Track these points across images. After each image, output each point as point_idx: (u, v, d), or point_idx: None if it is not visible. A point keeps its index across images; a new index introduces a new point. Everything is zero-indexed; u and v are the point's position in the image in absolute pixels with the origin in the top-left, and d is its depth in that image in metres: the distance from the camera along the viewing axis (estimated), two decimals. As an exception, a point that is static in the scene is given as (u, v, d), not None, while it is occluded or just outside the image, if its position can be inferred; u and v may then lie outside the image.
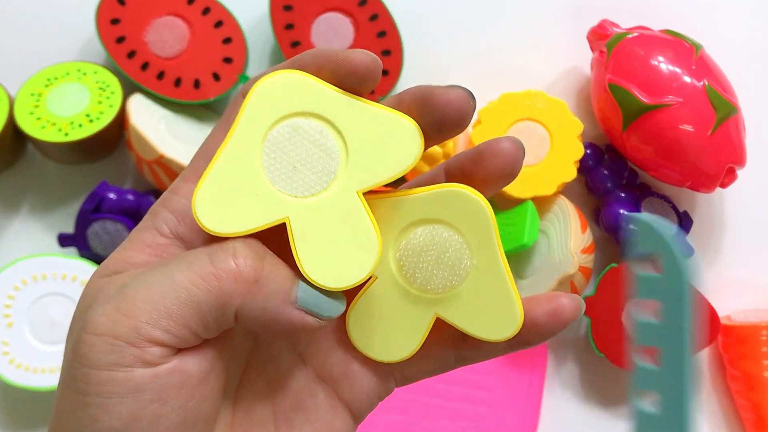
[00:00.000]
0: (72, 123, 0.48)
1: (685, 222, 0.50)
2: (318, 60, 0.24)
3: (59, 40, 0.53)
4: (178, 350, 0.23)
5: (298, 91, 0.23)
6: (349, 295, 0.25)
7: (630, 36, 0.48)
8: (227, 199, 0.23)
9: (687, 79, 0.46)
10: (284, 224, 0.24)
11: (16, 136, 0.49)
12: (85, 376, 0.22)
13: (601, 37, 0.49)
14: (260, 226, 0.23)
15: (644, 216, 0.27)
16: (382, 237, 0.24)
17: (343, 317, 0.26)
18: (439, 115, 0.24)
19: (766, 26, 0.54)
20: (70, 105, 0.49)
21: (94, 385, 0.22)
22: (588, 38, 0.51)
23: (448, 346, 0.27)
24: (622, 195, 0.50)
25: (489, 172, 0.25)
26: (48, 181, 0.53)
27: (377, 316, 0.26)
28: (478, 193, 0.25)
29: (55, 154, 0.50)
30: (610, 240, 0.51)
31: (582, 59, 0.53)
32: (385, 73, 0.49)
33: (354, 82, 0.24)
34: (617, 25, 0.50)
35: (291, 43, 0.49)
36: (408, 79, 0.52)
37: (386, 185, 0.24)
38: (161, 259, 0.24)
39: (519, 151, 0.25)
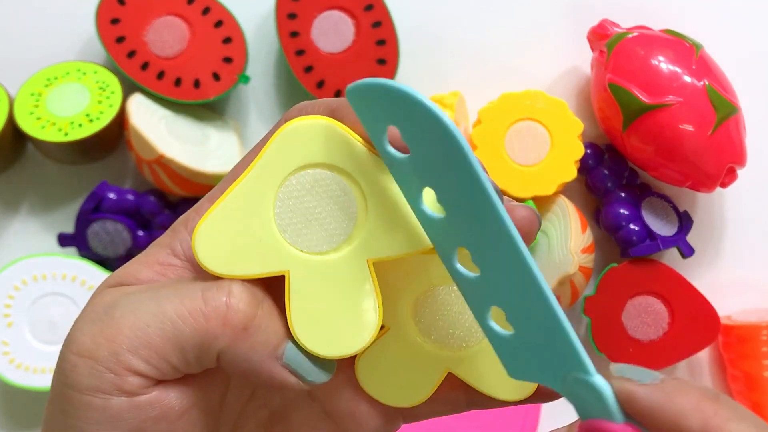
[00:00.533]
0: (72, 123, 0.48)
1: (685, 222, 0.50)
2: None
3: (59, 40, 0.53)
4: (159, 382, 0.22)
5: (328, 141, 0.22)
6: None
7: (630, 36, 0.48)
8: (230, 239, 0.22)
9: (687, 78, 0.46)
10: (284, 276, 0.22)
11: (16, 135, 0.49)
12: (67, 398, 0.22)
13: (602, 36, 0.49)
14: (259, 273, 0.22)
15: (361, 83, 0.21)
16: (400, 288, 0.23)
17: (351, 360, 0.25)
18: None
19: (767, 26, 0.54)
20: (70, 105, 0.48)
21: (74, 409, 0.22)
22: (588, 38, 0.51)
23: (459, 391, 0.26)
24: (623, 195, 0.50)
25: None
26: (48, 181, 0.53)
27: (388, 363, 0.25)
28: None
29: (55, 154, 0.50)
30: (611, 240, 0.51)
31: (582, 59, 0.53)
32: None
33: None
34: (617, 25, 0.50)
35: (290, 33, 0.49)
36: (406, 81, 0.52)
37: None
38: (162, 281, 0.24)
39: (534, 221, 0.23)
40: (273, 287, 0.23)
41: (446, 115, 0.20)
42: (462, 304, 0.24)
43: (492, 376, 0.24)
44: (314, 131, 0.22)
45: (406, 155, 0.21)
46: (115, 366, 0.21)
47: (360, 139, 0.22)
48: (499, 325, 0.22)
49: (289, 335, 0.22)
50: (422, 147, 0.21)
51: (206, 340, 0.22)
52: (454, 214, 0.21)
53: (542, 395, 0.25)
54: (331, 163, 0.22)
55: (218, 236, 0.22)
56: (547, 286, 0.20)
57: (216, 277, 0.22)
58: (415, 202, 0.22)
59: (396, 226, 0.22)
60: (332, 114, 0.23)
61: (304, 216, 0.22)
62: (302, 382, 0.23)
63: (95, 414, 0.22)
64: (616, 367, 0.21)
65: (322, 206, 0.22)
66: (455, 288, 0.23)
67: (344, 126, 0.22)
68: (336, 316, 0.22)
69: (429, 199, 0.22)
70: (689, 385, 0.20)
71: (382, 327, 0.24)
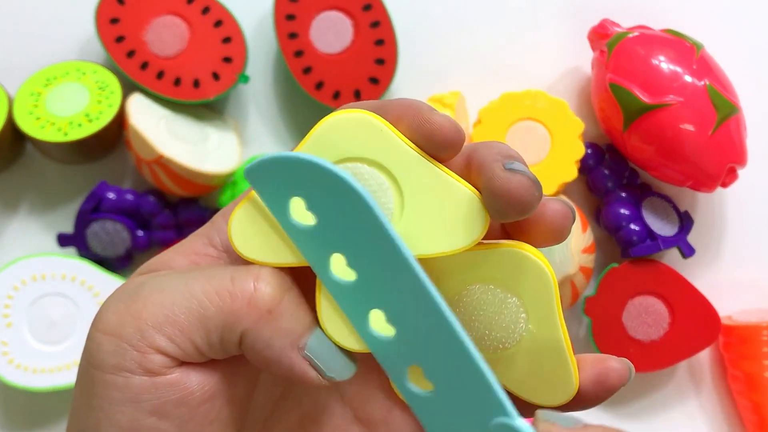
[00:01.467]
0: (71, 123, 0.47)
1: (686, 222, 0.50)
2: (402, 110, 0.22)
3: (58, 40, 0.53)
4: (182, 363, 0.22)
5: (368, 136, 0.21)
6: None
7: (631, 35, 0.48)
8: (266, 226, 0.22)
9: (688, 78, 0.46)
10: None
11: (15, 135, 0.49)
12: (91, 377, 0.22)
13: (602, 36, 0.49)
14: (291, 262, 0.22)
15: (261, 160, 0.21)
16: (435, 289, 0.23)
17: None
18: (499, 203, 0.21)
19: (767, 26, 0.54)
20: (69, 105, 0.48)
21: (98, 388, 0.22)
22: (589, 38, 0.51)
23: None
24: (623, 195, 0.50)
25: (534, 234, 0.23)
26: (47, 181, 0.53)
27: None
28: (541, 255, 0.22)
29: (54, 154, 0.50)
30: (611, 240, 0.51)
31: (583, 59, 0.53)
32: (375, 81, 0.49)
33: (430, 147, 0.22)
34: (618, 25, 0.50)
35: (288, 34, 0.49)
36: (406, 80, 0.52)
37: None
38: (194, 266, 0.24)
39: (568, 215, 0.22)
40: (303, 280, 0.23)
41: (347, 174, 0.20)
42: (498, 304, 0.23)
43: (528, 379, 0.24)
44: (354, 125, 0.21)
45: (311, 225, 0.21)
46: (139, 343, 0.21)
47: (400, 134, 0.22)
48: (417, 384, 0.22)
49: (315, 327, 0.22)
50: (329, 212, 0.20)
51: (230, 320, 0.22)
52: (365, 276, 0.21)
53: (582, 402, 0.24)
54: (369, 158, 0.22)
55: (254, 223, 0.22)
56: (463, 330, 0.20)
57: (249, 265, 0.23)
58: (323, 270, 0.22)
59: (432, 224, 0.21)
60: (376, 111, 0.22)
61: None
62: (322, 377, 0.22)
63: (117, 393, 0.22)
64: (541, 414, 0.21)
65: None
66: (491, 287, 0.23)
67: (385, 121, 0.22)
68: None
69: (338, 266, 0.22)
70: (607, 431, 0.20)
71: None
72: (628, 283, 0.49)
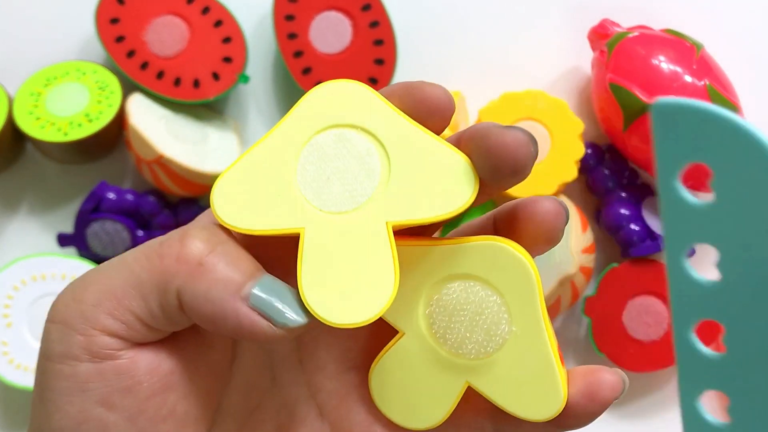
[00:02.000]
0: (71, 123, 0.47)
1: (686, 222, 0.50)
2: (395, 85, 0.22)
3: (58, 40, 0.53)
4: (131, 346, 0.21)
5: (355, 103, 0.21)
6: (378, 349, 0.23)
7: (631, 35, 0.48)
8: (248, 194, 0.21)
9: (688, 78, 0.46)
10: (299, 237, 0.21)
11: (15, 135, 0.49)
12: (42, 369, 0.22)
13: (602, 36, 0.49)
14: (274, 229, 0.21)
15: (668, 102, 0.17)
16: (413, 289, 0.22)
17: (367, 373, 0.24)
18: (493, 159, 0.20)
19: (767, 26, 0.54)
20: (69, 104, 0.48)
21: (48, 379, 0.21)
22: (589, 38, 0.51)
23: (484, 417, 0.24)
24: (623, 195, 0.49)
25: (525, 234, 0.22)
26: (47, 181, 0.53)
27: (403, 376, 0.23)
28: (523, 250, 0.22)
29: (54, 154, 0.50)
30: (611, 240, 0.51)
31: (583, 59, 0.53)
32: (374, 81, 0.49)
33: (420, 112, 0.21)
34: (618, 25, 0.50)
35: (288, 35, 0.49)
36: (407, 79, 0.52)
37: (425, 227, 0.21)
38: None
39: (561, 214, 0.22)
40: (287, 259, 0.22)
41: None
42: (479, 303, 0.22)
43: (513, 389, 0.22)
44: (343, 92, 0.21)
45: (707, 203, 0.18)
46: (82, 326, 0.21)
47: (389, 102, 0.21)
48: (711, 413, 0.20)
49: (261, 276, 0.21)
50: (736, 198, 0.17)
51: (163, 280, 0.21)
52: (734, 282, 0.18)
53: (573, 418, 0.22)
54: (358, 124, 0.21)
55: (237, 190, 0.21)
56: None
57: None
58: (678, 256, 0.19)
59: (420, 190, 0.21)
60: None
61: (325, 174, 0.21)
62: (274, 325, 0.20)
63: (65, 383, 0.21)
64: None
65: (345, 165, 0.21)
66: (471, 284, 0.22)
67: (373, 89, 0.21)
68: (349, 280, 0.21)
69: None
70: None
71: (396, 333, 0.23)
72: (629, 283, 0.49)
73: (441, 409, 0.23)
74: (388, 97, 0.22)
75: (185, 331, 0.23)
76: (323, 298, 0.21)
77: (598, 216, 0.51)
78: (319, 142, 0.22)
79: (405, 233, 0.22)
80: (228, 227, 0.22)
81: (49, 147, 0.48)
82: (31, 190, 0.53)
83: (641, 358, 0.48)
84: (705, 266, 0.20)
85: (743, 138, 0.16)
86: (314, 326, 0.21)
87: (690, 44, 0.47)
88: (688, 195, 0.18)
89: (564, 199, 0.49)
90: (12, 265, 0.48)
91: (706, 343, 0.19)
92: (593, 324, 0.49)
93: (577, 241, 0.47)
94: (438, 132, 0.22)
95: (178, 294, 0.21)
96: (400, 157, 0.21)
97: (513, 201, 0.23)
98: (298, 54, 0.49)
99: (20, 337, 0.48)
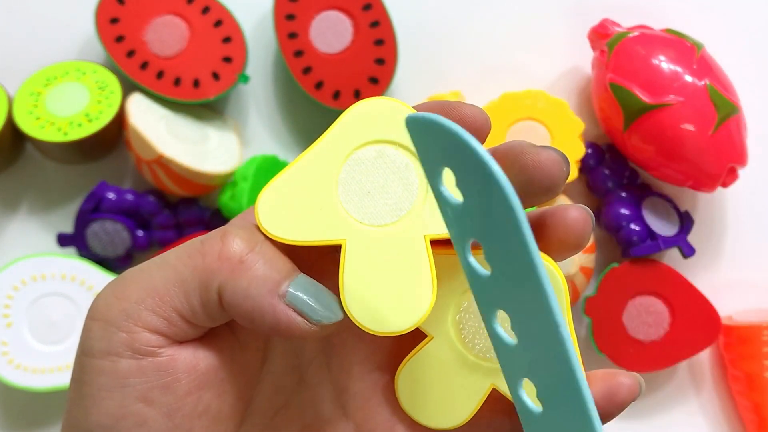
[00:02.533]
0: (71, 122, 0.47)
1: (686, 222, 0.50)
2: (431, 104, 0.23)
3: (58, 40, 0.53)
4: (171, 343, 0.22)
5: (394, 120, 0.22)
6: (403, 352, 0.24)
7: (631, 35, 0.48)
8: (292, 205, 0.22)
9: (688, 78, 0.46)
10: (340, 248, 0.22)
11: (15, 135, 0.49)
12: (81, 365, 0.22)
13: (602, 36, 0.49)
14: (317, 240, 0.22)
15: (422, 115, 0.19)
16: (443, 296, 0.23)
17: (392, 375, 0.24)
18: (527, 177, 0.21)
19: (767, 26, 0.54)
20: (69, 104, 0.48)
21: (88, 375, 0.22)
22: (589, 37, 0.51)
23: (503, 416, 0.24)
24: (623, 195, 0.49)
25: (553, 241, 0.23)
26: (47, 181, 0.53)
27: (429, 379, 0.24)
28: (553, 262, 0.22)
29: (54, 154, 0.50)
30: (611, 240, 0.51)
31: (583, 58, 0.53)
32: (375, 81, 0.49)
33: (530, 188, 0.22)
34: (618, 25, 0.50)
35: (288, 34, 0.49)
36: (406, 80, 0.52)
37: None
38: None
39: (588, 221, 0.22)
40: (326, 268, 0.23)
41: (496, 164, 0.18)
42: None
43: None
44: (381, 110, 0.22)
45: (459, 201, 0.19)
46: (125, 323, 0.22)
47: None
48: (531, 399, 0.21)
49: (297, 275, 0.22)
50: (472, 196, 0.19)
51: (205, 277, 0.22)
52: (498, 272, 0.19)
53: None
54: (396, 141, 0.22)
55: (281, 202, 0.22)
56: (580, 368, 0.19)
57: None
58: (462, 251, 0.20)
59: None
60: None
61: (365, 188, 0.22)
62: (310, 322, 0.22)
63: (105, 379, 0.22)
64: None
65: (385, 180, 0.22)
66: None
67: (410, 107, 0.22)
68: (388, 291, 0.22)
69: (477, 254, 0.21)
70: None
71: (424, 336, 0.23)
72: (629, 283, 0.49)
73: (465, 410, 0.24)
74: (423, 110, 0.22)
75: (221, 332, 0.23)
76: (364, 306, 0.22)
77: (599, 216, 0.51)
78: (360, 157, 0.22)
79: (440, 244, 0.23)
80: (273, 238, 0.22)
81: (48, 147, 0.48)
82: (31, 190, 0.53)
83: (641, 358, 0.48)
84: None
85: (461, 143, 0.18)
86: (345, 327, 0.22)
87: (690, 44, 0.47)
88: (450, 196, 0.19)
89: (564, 199, 0.49)
90: (12, 265, 0.48)
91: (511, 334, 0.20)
92: (593, 324, 0.49)
93: (577, 241, 0.47)
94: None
95: (219, 291, 0.22)
96: None
97: (539, 209, 0.23)
98: (298, 53, 0.49)
99: (20, 337, 0.48)
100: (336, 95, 0.49)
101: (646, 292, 0.49)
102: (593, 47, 0.51)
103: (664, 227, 0.50)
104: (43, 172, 0.53)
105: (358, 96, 0.49)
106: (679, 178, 0.48)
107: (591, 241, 0.48)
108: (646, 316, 0.49)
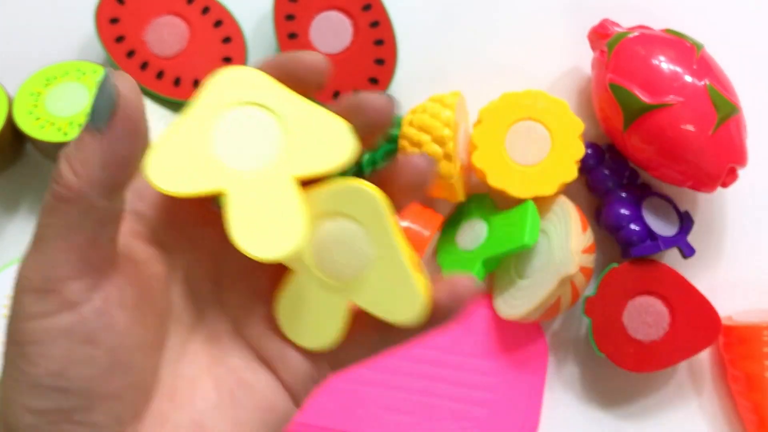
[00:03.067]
0: (71, 123, 0.47)
1: (686, 222, 0.50)
2: (272, 62, 0.28)
3: (58, 40, 0.53)
4: (96, 284, 0.25)
5: (253, 85, 0.27)
6: (276, 284, 0.29)
7: (631, 35, 0.48)
8: (176, 161, 0.26)
9: (688, 78, 0.46)
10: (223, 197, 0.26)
11: (15, 135, 0.49)
12: (20, 330, 0.24)
13: (602, 36, 0.49)
14: (203, 190, 0.26)
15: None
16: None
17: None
18: (369, 119, 0.27)
19: (767, 26, 0.54)
20: (69, 104, 0.48)
21: (29, 335, 0.24)
22: (589, 38, 0.51)
23: (371, 330, 0.29)
24: (623, 195, 0.50)
25: (396, 182, 0.28)
26: (47, 181, 0.52)
27: (301, 305, 0.28)
28: (375, 187, 0.27)
29: (54, 154, 0.50)
30: (611, 240, 0.51)
31: (583, 59, 0.53)
32: (375, 81, 0.49)
33: (298, 78, 0.28)
34: (618, 25, 0.50)
35: (288, 35, 0.49)
36: (406, 80, 0.52)
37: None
38: None
39: (430, 164, 0.28)
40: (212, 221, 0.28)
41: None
42: (346, 234, 0.28)
43: (383, 300, 0.28)
44: (243, 76, 0.27)
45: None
46: (50, 283, 0.24)
47: (277, 82, 0.27)
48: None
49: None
50: None
51: (80, 203, 0.25)
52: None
53: (440, 314, 0.28)
54: (258, 102, 0.27)
55: (166, 160, 0.26)
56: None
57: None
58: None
59: (312, 150, 0.27)
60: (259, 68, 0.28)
61: (236, 143, 0.27)
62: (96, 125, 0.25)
63: (47, 335, 0.24)
64: None
65: (252, 135, 0.27)
66: (339, 220, 0.28)
67: (263, 72, 0.27)
68: (268, 223, 0.26)
69: None
70: None
71: (296, 269, 0.28)
72: (628, 283, 0.49)
73: (335, 328, 0.28)
74: (272, 69, 0.27)
75: (128, 269, 0.26)
76: (248, 238, 0.26)
77: (599, 216, 0.51)
78: (227, 117, 0.27)
79: (304, 184, 0.27)
80: (161, 191, 0.26)
81: (48, 147, 0.48)
82: (30, 190, 0.53)
83: (641, 358, 0.48)
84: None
85: None
86: (235, 267, 0.29)
87: (690, 44, 0.47)
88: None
89: (564, 199, 0.49)
90: (12, 266, 0.48)
91: None
92: (593, 324, 0.49)
93: (577, 241, 0.47)
94: (318, 90, 0.28)
95: (99, 194, 0.25)
96: (294, 125, 0.27)
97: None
98: (298, 54, 0.49)
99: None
100: (336, 95, 0.49)
101: (646, 292, 0.49)
102: (593, 47, 0.51)
103: (664, 227, 0.50)
104: (43, 173, 0.53)
105: (358, 96, 0.50)
106: (679, 179, 0.48)
107: (591, 241, 0.48)
108: (646, 316, 0.49)
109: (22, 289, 0.25)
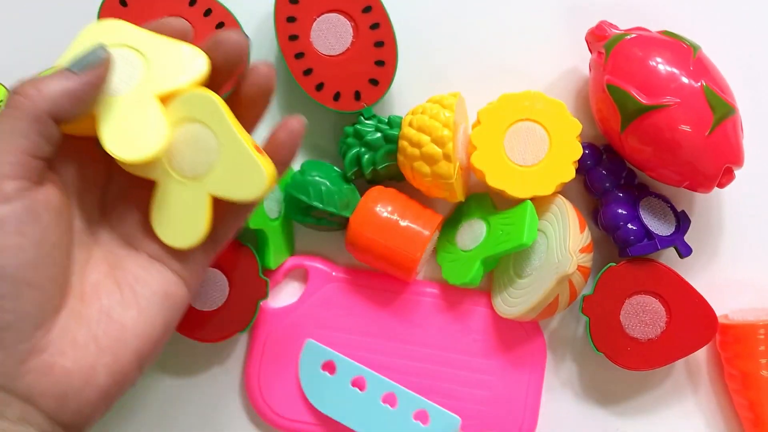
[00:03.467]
0: (74, 124, 0.48)
1: (683, 222, 0.50)
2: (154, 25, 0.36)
3: (61, 41, 0.53)
4: (30, 186, 0.30)
5: (121, 31, 0.34)
6: (148, 194, 0.34)
7: (628, 37, 0.48)
8: None
9: (685, 79, 0.46)
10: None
11: (18, 136, 0.49)
12: None
13: (600, 38, 0.50)
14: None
15: None
16: None
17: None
18: (226, 53, 0.34)
19: (764, 27, 0.55)
20: (72, 106, 0.49)
21: None
22: (586, 39, 0.51)
23: (228, 218, 0.37)
24: (621, 195, 0.50)
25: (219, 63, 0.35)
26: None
27: (168, 210, 0.34)
28: (211, 91, 0.33)
29: (57, 155, 0.50)
30: (609, 240, 0.51)
31: (580, 60, 0.53)
32: (375, 83, 0.50)
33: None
34: (615, 27, 0.50)
35: (289, 36, 0.50)
36: (406, 81, 0.53)
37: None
38: None
39: (243, 44, 0.35)
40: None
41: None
42: (194, 134, 0.33)
43: (235, 183, 0.33)
44: (111, 26, 0.34)
45: None
46: None
47: (139, 27, 0.34)
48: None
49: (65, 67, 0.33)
50: None
51: (33, 114, 0.31)
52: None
53: (284, 159, 0.37)
54: (126, 43, 0.34)
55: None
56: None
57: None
58: None
59: (170, 72, 0.33)
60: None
61: (113, 72, 0.33)
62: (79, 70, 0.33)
63: None
64: None
65: (119, 66, 0.33)
66: (187, 124, 0.33)
67: (127, 22, 0.34)
68: (134, 131, 0.32)
69: None
70: None
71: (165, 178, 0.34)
72: (626, 282, 0.49)
73: (202, 222, 0.34)
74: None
75: (52, 177, 0.32)
76: (115, 140, 0.32)
77: (596, 216, 0.51)
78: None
79: (163, 99, 0.34)
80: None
81: (52, 148, 0.48)
82: (34, 190, 0.53)
83: (639, 357, 0.49)
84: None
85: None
86: (118, 190, 0.36)
87: (687, 46, 0.48)
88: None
89: (562, 199, 0.49)
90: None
91: None
92: (591, 323, 0.49)
93: (575, 240, 0.47)
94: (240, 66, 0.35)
95: (50, 113, 0.31)
96: (155, 56, 0.33)
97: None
98: (299, 55, 0.50)
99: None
100: (336, 96, 0.50)
101: (644, 291, 0.49)
102: (591, 49, 0.51)
103: (661, 227, 0.50)
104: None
105: (358, 97, 0.50)
106: (676, 179, 0.48)
107: (589, 240, 0.49)
108: (643, 315, 0.49)
109: None
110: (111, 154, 0.31)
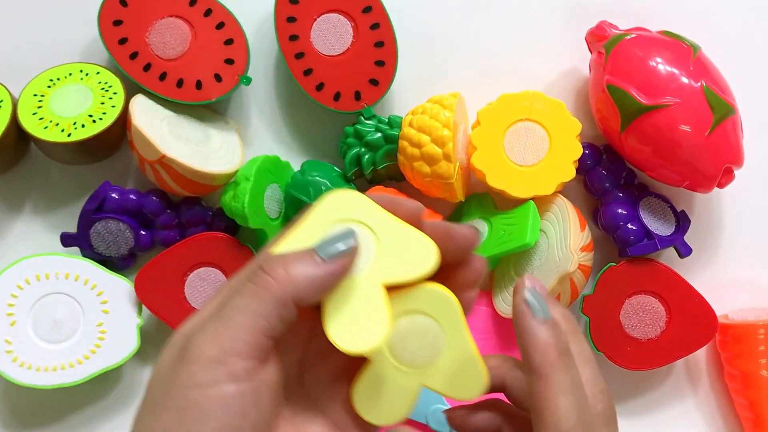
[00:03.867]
0: (75, 123, 0.48)
1: (683, 222, 0.50)
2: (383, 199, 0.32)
3: (62, 42, 0.53)
4: (259, 366, 0.28)
5: (356, 206, 0.32)
6: (355, 369, 0.33)
7: (628, 37, 0.48)
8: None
9: (685, 79, 0.46)
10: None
11: (19, 136, 0.49)
12: (183, 397, 0.27)
13: (600, 38, 0.50)
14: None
15: None
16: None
17: (349, 386, 0.33)
18: (457, 244, 0.32)
19: (764, 27, 0.55)
20: (72, 105, 0.49)
21: (191, 402, 0.27)
22: (586, 39, 0.51)
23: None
24: (620, 195, 0.50)
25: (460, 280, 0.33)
26: (51, 181, 0.53)
27: (376, 389, 0.33)
28: (449, 290, 0.32)
29: (57, 155, 0.50)
30: (609, 240, 0.52)
31: (580, 60, 0.53)
32: (375, 83, 0.50)
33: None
34: (615, 27, 0.50)
35: (289, 37, 0.50)
36: (405, 82, 0.53)
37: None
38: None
39: (476, 236, 0.32)
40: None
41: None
42: (422, 328, 0.32)
43: (453, 381, 0.32)
44: (347, 198, 0.32)
45: None
46: (224, 357, 0.28)
47: (376, 204, 0.31)
48: None
49: (311, 248, 0.31)
50: None
51: (278, 298, 0.29)
52: None
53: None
54: (356, 218, 0.32)
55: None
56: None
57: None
58: None
59: (400, 260, 0.31)
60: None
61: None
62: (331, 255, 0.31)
63: (210, 402, 0.27)
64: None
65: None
66: (417, 317, 0.32)
67: (365, 196, 0.32)
68: (357, 323, 0.30)
69: None
70: None
71: (374, 358, 0.32)
72: (626, 282, 0.49)
73: (406, 406, 0.33)
74: (379, 201, 0.32)
75: (275, 362, 0.30)
76: (339, 334, 0.30)
77: (596, 216, 0.51)
78: (332, 229, 0.31)
79: (390, 289, 0.31)
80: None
81: (52, 147, 0.48)
82: (34, 190, 0.53)
83: (638, 356, 0.49)
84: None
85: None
86: (315, 356, 0.33)
87: (687, 46, 0.48)
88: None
89: (562, 198, 0.49)
90: (16, 265, 0.49)
91: None
92: (591, 322, 0.49)
93: (575, 239, 0.47)
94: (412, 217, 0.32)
95: (294, 299, 0.29)
96: (387, 240, 0.31)
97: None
98: (299, 55, 0.50)
99: (24, 335, 0.48)
100: (336, 96, 0.50)
101: (643, 291, 0.49)
102: (591, 49, 0.51)
103: (661, 227, 0.50)
104: (47, 173, 0.53)
105: (358, 97, 0.50)
106: (676, 179, 0.48)
107: (589, 239, 0.49)
108: (643, 315, 0.49)
109: (193, 359, 0.28)
110: (335, 344, 0.30)
